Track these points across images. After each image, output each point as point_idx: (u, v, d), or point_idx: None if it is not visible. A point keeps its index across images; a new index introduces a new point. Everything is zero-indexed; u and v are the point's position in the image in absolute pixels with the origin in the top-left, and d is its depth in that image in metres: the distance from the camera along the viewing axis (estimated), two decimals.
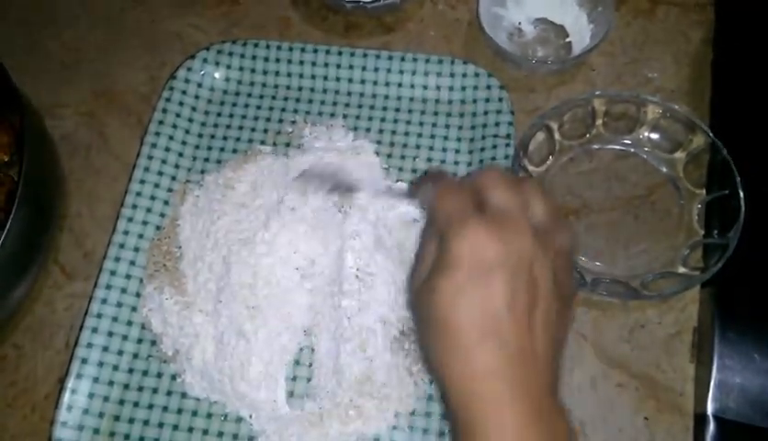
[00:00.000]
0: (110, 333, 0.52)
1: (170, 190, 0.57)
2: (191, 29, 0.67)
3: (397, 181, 0.57)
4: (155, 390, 0.51)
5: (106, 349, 0.51)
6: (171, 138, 0.59)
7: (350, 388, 0.48)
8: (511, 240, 0.34)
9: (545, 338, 0.34)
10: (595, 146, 0.57)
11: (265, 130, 0.60)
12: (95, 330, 0.52)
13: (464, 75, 0.59)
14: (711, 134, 0.53)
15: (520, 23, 0.63)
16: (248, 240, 0.52)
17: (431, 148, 0.58)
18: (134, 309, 0.53)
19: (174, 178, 0.58)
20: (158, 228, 0.56)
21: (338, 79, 0.61)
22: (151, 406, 0.50)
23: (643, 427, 0.49)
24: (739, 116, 0.56)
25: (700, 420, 0.47)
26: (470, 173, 0.38)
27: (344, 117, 0.60)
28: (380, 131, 0.59)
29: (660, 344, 0.51)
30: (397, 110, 0.60)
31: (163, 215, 0.57)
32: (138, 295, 0.54)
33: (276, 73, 0.62)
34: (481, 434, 0.33)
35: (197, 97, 0.61)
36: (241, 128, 0.60)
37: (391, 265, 0.51)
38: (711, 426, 0.46)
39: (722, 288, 0.50)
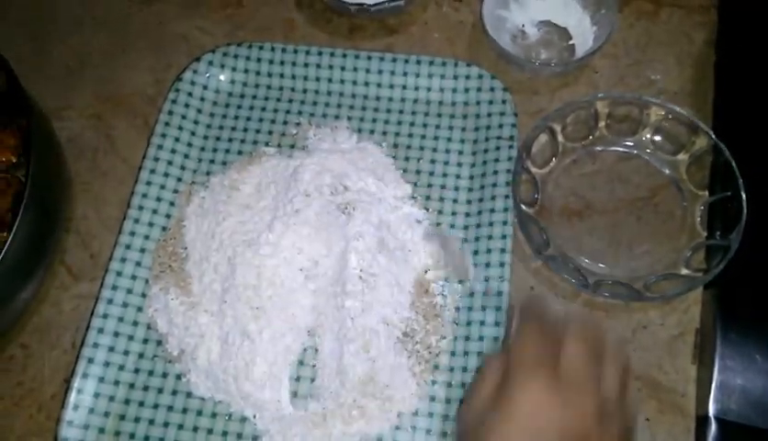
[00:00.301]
0: (116, 334, 0.52)
1: (176, 192, 0.58)
2: (197, 32, 0.67)
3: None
4: (160, 390, 0.51)
5: (111, 349, 0.52)
6: (177, 140, 0.59)
7: (353, 388, 0.48)
8: (571, 413, 0.33)
9: None
10: (598, 148, 0.57)
11: (270, 132, 0.60)
12: (101, 330, 0.52)
13: (467, 77, 0.59)
14: (714, 136, 0.53)
15: (523, 25, 0.64)
16: (253, 241, 0.53)
17: (434, 149, 0.58)
18: (140, 309, 0.54)
19: (179, 180, 0.58)
20: (164, 229, 0.56)
21: (342, 81, 0.61)
22: (156, 406, 0.51)
23: (645, 428, 0.49)
24: (742, 118, 0.56)
25: (702, 421, 0.47)
26: (566, 315, 0.37)
27: (349, 118, 0.60)
28: (384, 133, 0.59)
29: (662, 345, 0.51)
30: (401, 112, 0.60)
31: (168, 216, 0.57)
32: (143, 296, 0.54)
33: (281, 75, 0.62)
34: None
35: (202, 99, 0.62)
36: (246, 129, 0.61)
37: (394, 266, 0.52)
38: (713, 428, 0.46)
39: (724, 289, 0.50)
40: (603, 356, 0.36)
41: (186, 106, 0.61)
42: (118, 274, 0.54)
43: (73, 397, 0.50)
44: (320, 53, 0.62)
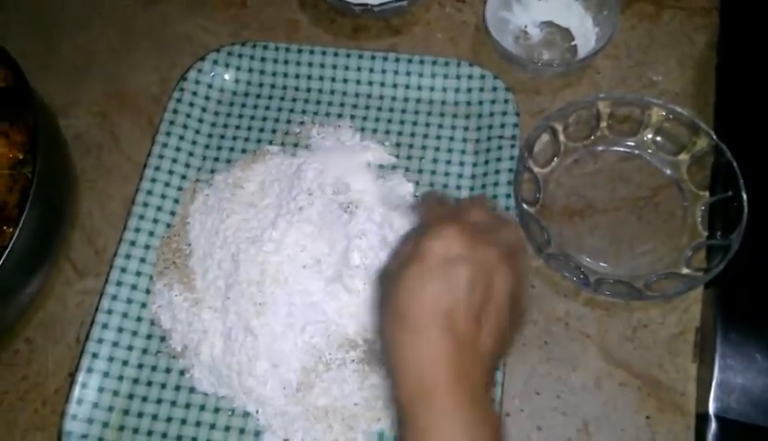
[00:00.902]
0: (120, 329, 0.53)
1: (180, 189, 0.58)
2: (201, 32, 0.68)
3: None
4: (164, 385, 0.52)
5: (116, 344, 0.52)
6: (181, 138, 0.60)
7: (355, 383, 0.49)
8: (478, 246, 0.37)
9: (489, 339, 0.37)
10: (600, 148, 0.58)
11: (274, 131, 0.61)
12: (105, 325, 0.53)
13: (470, 77, 0.60)
14: (715, 137, 0.53)
15: (526, 26, 0.64)
16: (256, 238, 0.53)
17: (437, 149, 0.59)
18: (144, 305, 0.54)
19: (184, 177, 0.59)
20: (168, 226, 0.57)
21: (346, 81, 0.62)
22: (159, 401, 0.51)
23: (645, 427, 0.49)
24: (743, 119, 0.56)
25: (702, 419, 0.48)
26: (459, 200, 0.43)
27: (352, 118, 0.61)
28: (387, 132, 0.60)
29: (662, 344, 0.51)
30: (404, 112, 0.60)
31: (173, 213, 0.57)
32: (148, 292, 0.55)
33: (285, 75, 0.62)
34: (421, 413, 0.35)
35: (207, 98, 0.62)
36: (249, 128, 0.61)
37: None
38: (713, 426, 0.47)
39: (725, 288, 0.50)
40: (500, 221, 0.41)
41: (191, 104, 0.61)
42: (123, 270, 0.54)
43: (77, 391, 0.51)
44: (323, 53, 0.62)
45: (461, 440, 0.35)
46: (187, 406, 0.51)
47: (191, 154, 0.60)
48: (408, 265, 0.37)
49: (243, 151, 0.60)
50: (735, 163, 0.52)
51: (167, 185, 0.58)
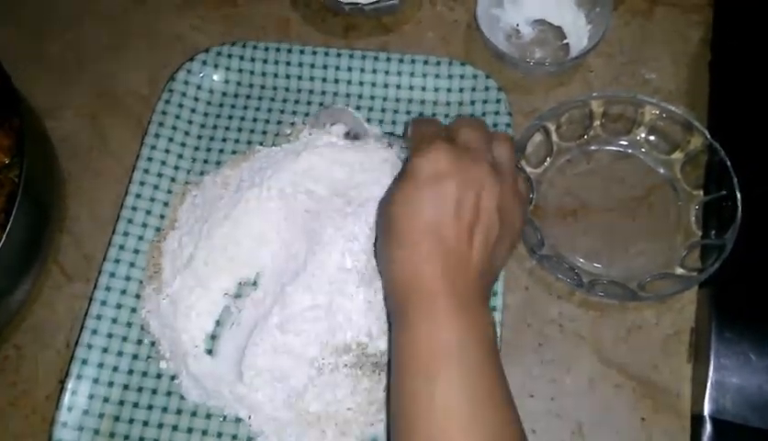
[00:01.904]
0: (110, 335, 0.52)
1: (170, 192, 0.58)
2: (192, 31, 0.67)
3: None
4: (155, 391, 0.51)
5: (105, 350, 0.52)
6: (170, 140, 0.59)
7: (348, 388, 0.48)
8: (467, 162, 0.38)
9: (480, 253, 0.38)
10: (593, 147, 0.57)
11: (264, 132, 0.60)
12: (94, 331, 0.52)
13: (462, 77, 0.59)
14: (709, 135, 0.53)
15: (518, 24, 0.63)
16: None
17: None
18: (134, 310, 0.54)
19: (173, 180, 0.58)
20: (157, 230, 0.56)
21: (337, 80, 0.61)
22: (150, 407, 0.51)
23: (640, 428, 0.49)
24: (737, 117, 0.56)
25: (697, 421, 0.47)
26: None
27: None
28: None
29: (657, 344, 0.51)
30: (395, 112, 0.60)
31: (162, 217, 0.57)
32: (137, 296, 0.54)
33: (275, 75, 0.62)
34: (414, 317, 0.37)
35: (196, 99, 0.61)
36: (240, 129, 0.60)
37: None
38: (708, 427, 0.47)
39: (719, 288, 0.50)
40: (492, 137, 0.42)
41: (180, 106, 0.61)
42: (112, 275, 0.54)
43: (67, 398, 0.50)
44: (314, 53, 0.61)
45: (455, 339, 0.36)
46: (179, 412, 0.50)
47: (180, 157, 0.59)
48: (398, 185, 0.39)
49: (234, 152, 0.60)
50: (729, 162, 0.51)
51: (156, 188, 0.57)
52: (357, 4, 0.62)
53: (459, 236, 0.38)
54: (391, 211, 0.39)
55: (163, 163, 0.58)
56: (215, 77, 0.62)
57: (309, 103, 0.61)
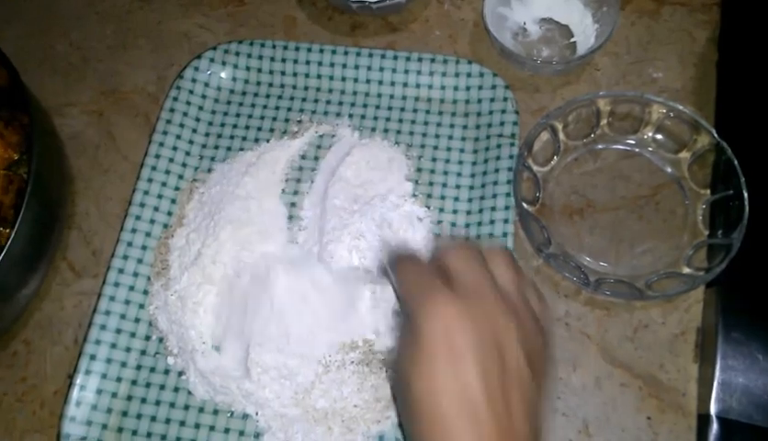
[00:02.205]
0: (118, 330, 0.53)
1: (177, 189, 0.58)
2: (198, 29, 0.67)
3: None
4: (162, 387, 0.51)
5: (114, 346, 0.52)
6: (178, 137, 0.59)
7: (355, 385, 0.48)
8: (480, 319, 0.33)
9: (523, 414, 0.33)
10: (600, 146, 0.57)
11: (272, 129, 0.60)
12: (103, 327, 0.52)
13: (469, 75, 0.59)
14: (716, 134, 0.53)
15: (525, 23, 0.63)
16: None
17: (436, 147, 0.58)
18: (142, 306, 0.54)
19: (181, 177, 0.58)
20: (165, 226, 0.57)
21: (344, 79, 0.61)
22: (158, 402, 0.51)
23: (646, 427, 0.49)
24: (744, 116, 0.56)
25: (703, 420, 0.48)
26: (434, 248, 0.37)
27: (350, 116, 0.60)
28: (386, 131, 0.59)
29: (663, 344, 0.51)
30: (402, 110, 0.60)
31: (170, 213, 0.57)
32: (145, 292, 0.54)
33: (283, 73, 0.62)
34: None
35: (204, 97, 0.62)
36: (247, 127, 0.61)
37: None
38: (714, 427, 0.47)
39: (726, 288, 0.50)
40: (491, 264, 0.36)
41: (188, 103, 0.61)
42: (120, 271, 0.54)
43: (75, 393, 0.50)
44: (321, 51, 0.62)
45: None
46: (186, 407, 0.51)
47: (188, 154, 0.59)
48: (410, 355, 0.34)
49: (241, 149, 0.60)
50: (736, 161, 0.51)
51: (164, 184, 0.58)
52: (365, 2, 0.62)
53: (495, 408, 0.32)
54: (409, 385, 0.33)
55: (171, 160, 0.59)
56: (222, 75, 0.62)
57: (315, 101, 0.61)
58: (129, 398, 0.51)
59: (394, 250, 0.39)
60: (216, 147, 0.60)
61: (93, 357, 0.51)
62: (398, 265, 0.37)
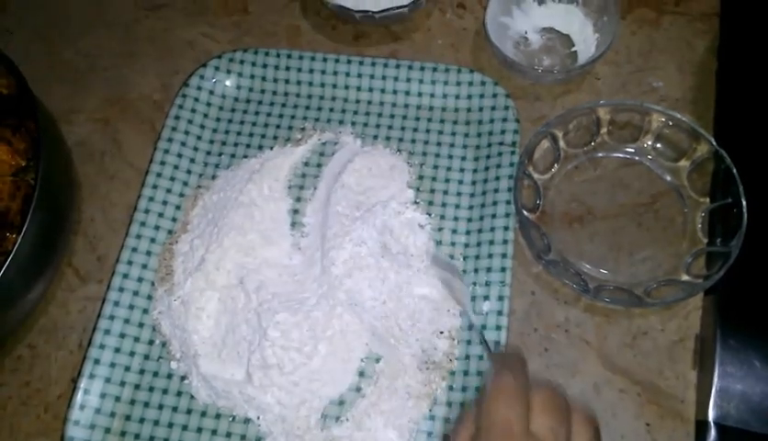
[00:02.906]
0: (122, 335, 0.53)
1: (182, 195, 0.59)
2: (203, 38, 0.68)
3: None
4: (166, 391, 0.52)
5: (118, 350, 0.53)
6: (183, 144, 0.60)
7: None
8: None
9: None
10: (600, 154, 0.58)
11: (275, 137, 0.61)
12: (107, 331, 0.53)
13: (470, 84, 0.60)
14: (715, 143, 0.53)
15: (526, 32, 0.64)
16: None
17: (437, 155, 0.59)
18: (146, 311, 0.55)
19: (185, 184, 0.59)
20: (170, 232, 0.57)
21: (347, 87, 0.62)
22: (161, 406, 0.51)
23: (645, 433, 0.49)
24: (743, 125, 0.56)
25: (701, 427, 0.48)
26: (532, 383, 0.35)
27: (353, 124, 0.61)
28: (388, 138, 0.60)
29: (662, 350, 0.51)
30: (404, 118, 0.61)
31: (174, 220, 0.58)
32: (149, 298, 0.55)
33: (286, 81, 0.63)
34: None
35: (208, 104, 0.62)
36: (251, 134, 0.61)
37: (396, 268, 0.52)
38: (712, 433, 0.47)
39: (725, 295, 0.50)
40: (570, 420, 0.35)
41: (193, 111, 0.62)
42: (125, 276, 0.55)
43: (79, 397, 0.51)
44: (324, 59, 0.62)
45: None
46: (189, 412, 0.51)
47: (193, 161, 0.60)
48: None
49: (245, 156, 0.60)
50: (735, 170, 0.52)
51: (169, 191, 0.58)
52: (368, 11, 0.63)
53: None
54: None
55: (176, 167, 0.59)
56: (227, 83, 0.63)
57: (318, 108, 0.62)
58: (133, 402, 0.52)
59: (507, 357, 0.38)
60: (220, 154, 0.61)
61: (97, 362, 0.52)
62: (494, 388, 0.35)
